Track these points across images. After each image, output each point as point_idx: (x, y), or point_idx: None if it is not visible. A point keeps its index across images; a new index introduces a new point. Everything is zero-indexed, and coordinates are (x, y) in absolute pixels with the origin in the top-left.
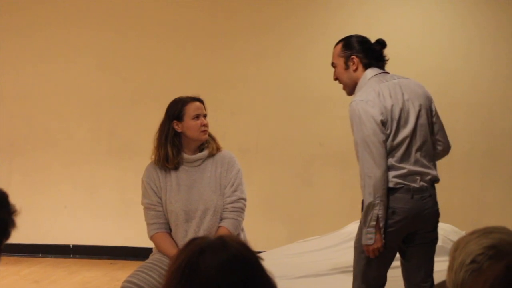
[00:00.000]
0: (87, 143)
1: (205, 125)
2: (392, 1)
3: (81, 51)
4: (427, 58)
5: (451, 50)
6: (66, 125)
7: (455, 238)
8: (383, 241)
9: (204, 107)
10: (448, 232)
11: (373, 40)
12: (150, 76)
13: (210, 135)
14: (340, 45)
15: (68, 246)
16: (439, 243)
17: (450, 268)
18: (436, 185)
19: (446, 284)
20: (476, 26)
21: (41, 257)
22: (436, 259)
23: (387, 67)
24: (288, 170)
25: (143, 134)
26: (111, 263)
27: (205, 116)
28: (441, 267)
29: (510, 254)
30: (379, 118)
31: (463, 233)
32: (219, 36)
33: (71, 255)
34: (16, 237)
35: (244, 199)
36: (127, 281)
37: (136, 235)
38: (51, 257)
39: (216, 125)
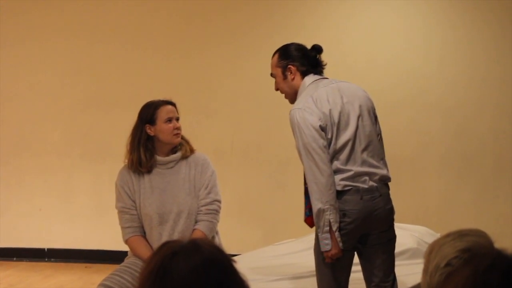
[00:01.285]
0: (61, 146)
1: (178, 128)
2: (366, 4)
3: (55, 54)
4: (402, 61)
5: (426, 53)
6: (40, 128)
7: (430, 240)
8: (340, 245)
9: (177, 110)
10: (423, 234)
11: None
12: (124, 80)
13: (183, 138)
14: (276, 56)
15: (43, 249)
16: (414, 245)
17: (425, 270)
18: (411, 187)
19: (421, 287)
20: (451, 28)
21: (16, 260)
22: (411, 261)
23: (360, 70)
24: (263, 173)
25: (117, 137)
26: (86, 267)
27: (177, 119)
28: (416, 270)
29: (481, 257)
30: (317, 124)
31: (438, 235)
32: (193, 39)
33: (46, 259)
34: None
35: (219, 201)
36: (102, 284)
37: (111, 238)
38: (26, 261)
39: (191, 127)
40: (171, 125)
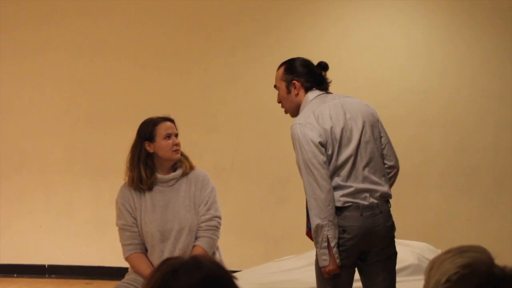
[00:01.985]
0: (62, 163)
1: (177, 144)
2: (367, 19)
3: (56, 71)
4: (403, 76)
5: (427, 68)
6: (40, 145)
7: (430, 256)
8: (337, 261)
9: (175, 126)
10: (423, 250)
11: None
12: (126, 96)
13: (182, 154)
14: (282, 69)
15: (43, 266)
16: (415, 261)
17: (426, 287)
18: (412, 203)
19: None
20: (452, 43)
21: (17, 277)
22: (411, 277)
23: (361, 86)
24: (263, 189)
25: (118, 154)
26: (86, 283)
27: (176, 135)
28: (417, 286)
29: (484, 273)
30: (317, 140)
31: (438, 251)
32: (194, 56)
33: (47, 275)
34: None
35: (219, 217)
36: None
37: (112, 254)
38: (26, 277)
39: (192, 144)
40: (170, 141)
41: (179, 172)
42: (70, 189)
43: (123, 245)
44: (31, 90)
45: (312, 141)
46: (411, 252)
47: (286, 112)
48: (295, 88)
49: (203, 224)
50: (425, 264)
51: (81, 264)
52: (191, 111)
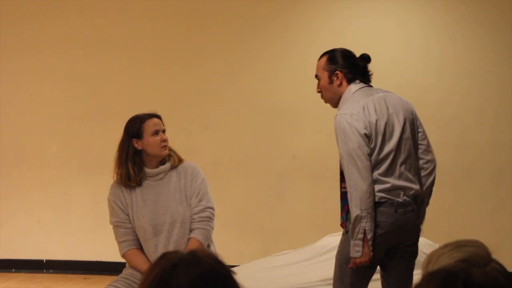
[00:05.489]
0: (60, 158)
1: (165, 140)
2: (364, 12)
3: (53, 67)
4: (400, 72)
5: (425, 64)
6: (38, 141)
7: (428, 251)
8: (371, 254)
9: (162, 123)
10: (421, 245)
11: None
12: (123, 92)
13: (170, 149)
14: (324, 58)
15: (41, 261)
16: None
17: None
18: None
19: None
20: (450, 39)
21: (14, 272)
22: None
23: None
24: (261, 184)
25: (115, 149)
26: (84, 278)
27: (164, 131)
28: (414, 280)
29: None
30: (363, 131)
31: (436, 246)
32: (191, 51)
33: (45, 270)
34: None
35: (211, 208)
36: None
37: (110, 249)
38: (24, 272)
39: (190, 139)
40: (158, 137)
41: (167, 165)
42: (68, 184)
43: (119, 242)
44: (28, 86)
45: (359, 132)
46: None
47: (326, 102)
48: (337, 78)
49: (196, 216)
50: (422, 258)
51: (79, 259)
52: (189, 106)
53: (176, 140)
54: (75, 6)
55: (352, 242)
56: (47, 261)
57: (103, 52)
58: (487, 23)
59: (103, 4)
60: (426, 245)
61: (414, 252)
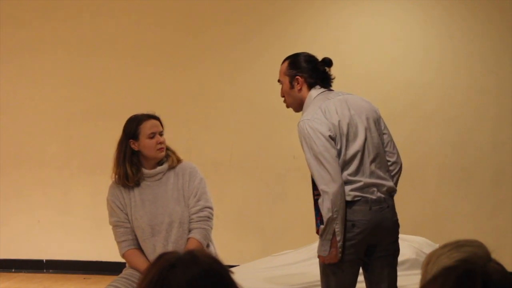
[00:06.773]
0: (60, 158)
1: (162, 143)
2: (364, 13)
3: (53, 67)
4: (400, 72)
5: (424, 63)
6: (38, 141)
7: (428, 250)
8: (339, 256)
9: (161, 124)
10: (421, 245)
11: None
12: (123, 92)
13: (169, 149)
14: (286, 63)
15: (41, 261)
16: (413, 256)
17: (423, 281)
18: (410, 198)
19: None
20: (450, 38)
21: (14, 272)
22: (409, 272)
23: (358, 81)
24: (261, 184)
25: (115, 149)
26: (84, 278)
27: (161, 133)
28: (414, 280)
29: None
30: (327, 133)
31: (436, 246)
32: (191, 51)
33: (45, 270)
34: None
35: (210, 208)
36: None
37: (110, 249)
38: (24, 272)
39: (190, 139)
40: (154, 140)
41: (165, 166)
42: (68, 184)
43: (118, 242)
44: (28, 86)
45: (323, 135)
46: (409, 246)
47: (288, 106)
48: (298, 83)
49: (194, 216)
50: (422, 258)
51: (79, 259)
52: (189, 106)
53: (176, 140)
54: (75, 7)
55: (320, 241)
56: (47, 261)
57: (103, 52)
58: (487, 23)
59: (103, 5)
60: (426, 245)
61: (396, 250)
